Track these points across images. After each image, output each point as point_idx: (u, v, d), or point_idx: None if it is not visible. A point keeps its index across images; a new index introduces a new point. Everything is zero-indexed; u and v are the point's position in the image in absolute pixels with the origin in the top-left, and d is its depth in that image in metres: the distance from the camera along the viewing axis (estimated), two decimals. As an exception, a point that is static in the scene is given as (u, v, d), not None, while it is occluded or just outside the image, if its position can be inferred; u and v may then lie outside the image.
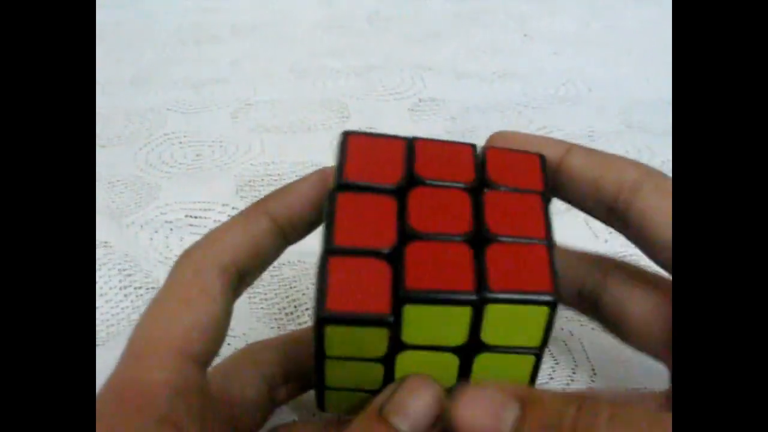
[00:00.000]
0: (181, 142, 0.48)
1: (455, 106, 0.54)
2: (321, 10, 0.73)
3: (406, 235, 0.21)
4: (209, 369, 0.22)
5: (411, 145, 0.23)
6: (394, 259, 0.20)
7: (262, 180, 0.44)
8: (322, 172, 0.24)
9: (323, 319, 0.19)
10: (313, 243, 0.38)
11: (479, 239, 0.21)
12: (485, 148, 0.24)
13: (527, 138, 0.24)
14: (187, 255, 0.22)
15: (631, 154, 0.47)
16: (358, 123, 0.51)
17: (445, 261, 0.20)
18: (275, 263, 0.36)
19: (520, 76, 0.59)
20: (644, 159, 0.47)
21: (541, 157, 0.23)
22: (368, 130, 0.23)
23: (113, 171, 0.45)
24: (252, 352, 0.25)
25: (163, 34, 0.67)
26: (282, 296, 0.35)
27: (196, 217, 0.40)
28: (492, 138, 0.24)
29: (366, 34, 0.68)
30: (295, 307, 0.34)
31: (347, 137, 0.23)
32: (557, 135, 0.50)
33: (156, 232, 0.39)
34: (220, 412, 0.22)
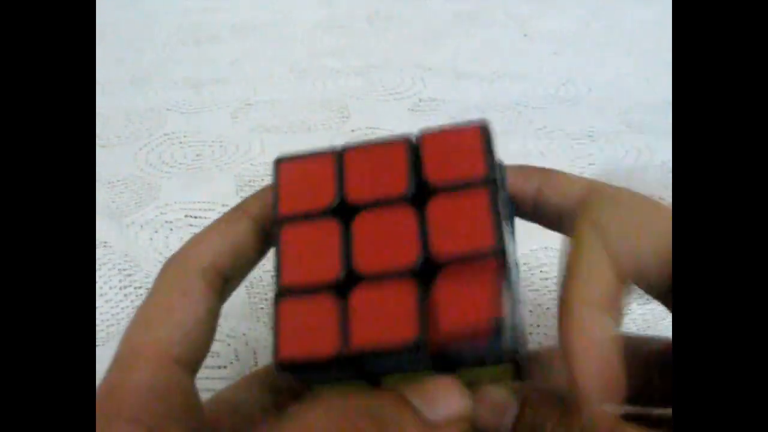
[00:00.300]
0: (181, 142, 0.48)
1: (455, 106, 0.54)
2: (321, 10, 0.73)
3: (352, 275, 0.20)
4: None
5: (341, 159, 0.21)
6: (343, 290, 0.20)
7: (262, 180, 0.44)
8: None
9: (279, 366, 0.19)
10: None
11: (426, 268, 0.20)
12: (420, 136, 0.21)
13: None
14: (170, 260, 0.22)
15: (631, 154, 0.47)
16: (358, 123, 0.51)
17: (390, 307, 0.19)
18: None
19: (520, 76, 0.59)
20: (644, 159, 0.47)
21: (482, 129, 0.21)
22: (300, 152, 0.22)
23: (113, 171, 0.45)
24: (261, 373, 0.25)
25: (163, 34, 0.67)
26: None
27: (196, 217, 0.40)
28: None
29: (366, 34, 0.68)
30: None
31: (278, 165, 0.22)
32: (557, 135, 0.50)
33: (156, 232, 0.39)
34: (209, 416, 0.22)
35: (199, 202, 0.41)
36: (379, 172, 0.21)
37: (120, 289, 0.34)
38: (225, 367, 0.31)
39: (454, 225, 0.20)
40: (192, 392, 0.21)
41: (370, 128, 0.50)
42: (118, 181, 0.44)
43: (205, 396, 0.23)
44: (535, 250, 0.37)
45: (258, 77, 0.58)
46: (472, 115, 0.54)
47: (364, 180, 0.21)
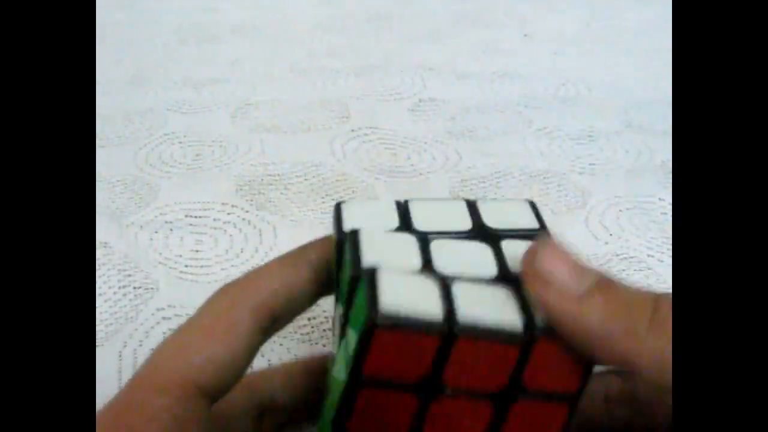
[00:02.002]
0: (181, 142, 0.48)
1: (455, 106, 0.54)
2: (321, 10, 0.73)
3: None
4: None
5: (448, 343, 0.20)
6: None
7: (262, 180, 0.44)
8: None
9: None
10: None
11: None
12: (536, 338, 0.20)
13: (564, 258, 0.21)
14: (223, 290, 0.22)
15: (631, 154, 0.47)
16: (358, 123, 0.51)
17: None
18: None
19: (520, 76, 0.59)
20: (644, 159, 0.47)
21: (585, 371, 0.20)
22: (401, 319, 0.19)
23: (113, 171, 0.45)
24: (248, 380, 0.24)
25: (163, 34, 0.67)
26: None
27: (196, 217, 0.40)
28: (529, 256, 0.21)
29: (366, 34, 0.68)
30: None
31: (372, 332, 0.19)
32: (557, 135, 0.50)
33: (156, 232, 0.39)
34: None
35: (199, 202, 0.41)
36: (481, 367, 0.20)
37: (119, 288, 0.34)
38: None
39: (526, 427, 0.21)
40: (207, 421, 0.21)
41: (371, 128, 0.50)
42: (118, 181, 0.44)
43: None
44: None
45: (258, 77, 0.58)
46: (472, 115, 0.55)
47: (462, 369, 0.20)
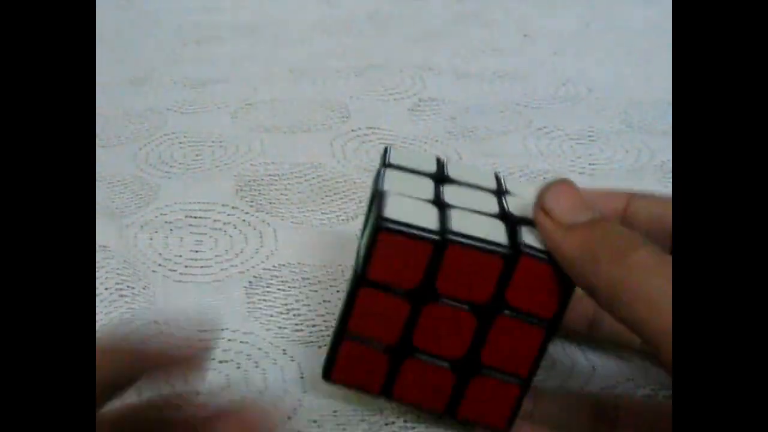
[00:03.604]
0: (181, 142, 0.48)
1: (455, 106, 0.54)
2: (321, 10, 0.73)
3: (407, 345, 0.24)
4: None
5: (440, 250, 0.23)
6: (396, 354, 0.25)
7: (262, 180, 0.44)
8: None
9: (329, 379, 0.26)
10: (312, 240, 0.38)
11: (469, 364, 0.24)
12: (520, 256, 0.23)
13: (583, 194, 0.24)
14: None
15: (631, 154, 0.47)
16: (358, 123, 0.51)
17: (432, 381, 0.25)
18: (275, 264, 0.37)
19: (520, 76, 0.59)
20: (644, 159, 0.47)
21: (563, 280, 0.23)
22: (402, 224, 0.23)
23: (113, 171, 0.45)
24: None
25: (163, 34, 0.67)
26: (280, 296, 0.35)
27: (196, 218, 0.40)
28: (544, 191, 0.24)
29: (366, 34, 0.68)
30: (293, 307, 0.34)
31: (379, 233, 0.23)
32: (557, 135, 0.50)
33: (156, 232, 0.39)
34: None
35: (199, 202, 0.41)
36: (469, 276, 0.23)
37: (116, 290, 0.34)
38: (225, 361, 0.31)
39: (505, 343, 0.24)
40: None
41: (370, 128, 0.50)
42: (118, 181, 0.44)
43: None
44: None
45: (258, 77, 0.58)
46: (472, 115, 0.55)
47: (451, 278, 0.23)
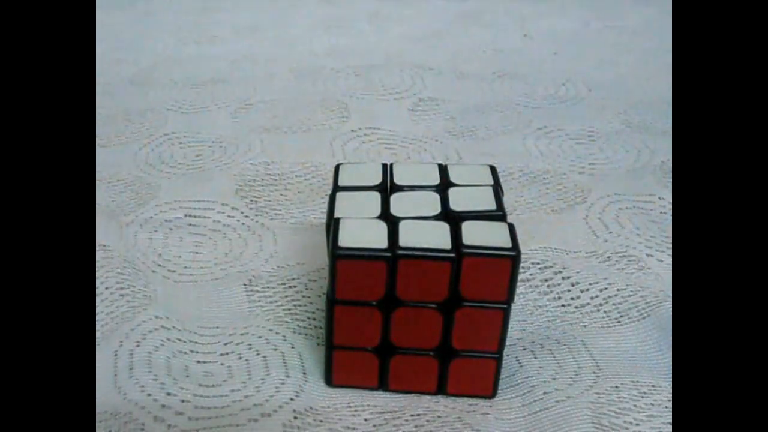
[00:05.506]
0: (181, 142, 0.48)
1: (455, 106, 0.54)
2: (321, 10, 0.73)
3: (388, 345, 0.28)
4: None
5: (394, 264, 0.26)
6: (382, 354, 0.28)
7: (262, 180, 0.44)
8: None
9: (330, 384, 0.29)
10: (312, 241, 0.38)
11: (445, 350, 0.28)
12: (462, 257, 0.26)
13: None
14: None
15: (631, 154, 0.47)
16: (357, 123, 0.51)
17: (417, 371, 0.28)
18: (274, 264, 0.37)
19: (520, 76, 0.59)
20: (644, 159, 0.47)
21: (513, 261, 0.26)
22: (354, 250, 0.26)
23: (113, 171, 0.45)
24: None
25: (163, 34, 0.67)
26: (281, 295, 0.35)
27: (195, 217, 0.40)
28: None
29: (366, 34, 0.68)
30: (294, 305, 0.34)
31: (336, 260, 0.26)
32: (557, 135, 0.50)
33: (155, 231, 0.39)
34: None
35: (199, 201, 0.41)
36: (424, 281, 0.26)
37: (117, 289, 0.34)
38: (225, 354, 0.31)
39: (472, 330, 0.27)
40: None
41: (370, 128, 0.50)
42: (118, 180, 0.44)
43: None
44: (535, 250, 0.37)
45: (258, 77, 0.58)
46: (472, 115, 0.55)
47: (410, 286, 0.26)
